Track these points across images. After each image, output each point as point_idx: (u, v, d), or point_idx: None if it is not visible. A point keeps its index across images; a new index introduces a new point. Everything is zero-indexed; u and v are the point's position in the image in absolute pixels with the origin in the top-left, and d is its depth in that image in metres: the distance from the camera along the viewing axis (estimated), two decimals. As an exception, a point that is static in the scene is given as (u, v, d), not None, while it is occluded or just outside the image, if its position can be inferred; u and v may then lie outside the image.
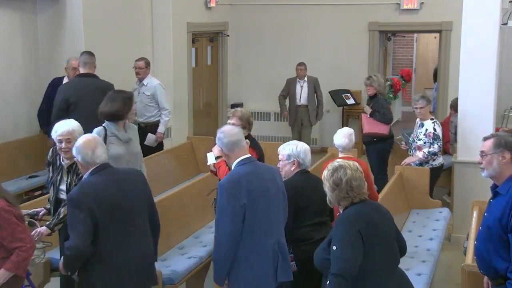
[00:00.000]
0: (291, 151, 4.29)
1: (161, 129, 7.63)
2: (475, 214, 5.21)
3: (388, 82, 12.80)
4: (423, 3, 10.35)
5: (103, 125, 5.09)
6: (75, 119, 4.67)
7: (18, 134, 7.49)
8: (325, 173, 3.48)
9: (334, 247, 3.26)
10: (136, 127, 5.34)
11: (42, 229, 4.31)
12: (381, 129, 7.49)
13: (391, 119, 7.68)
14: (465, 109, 6.56)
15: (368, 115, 7.56)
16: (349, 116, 10.84)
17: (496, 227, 3.51)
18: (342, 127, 10.51)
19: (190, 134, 9.37)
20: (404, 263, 5.15)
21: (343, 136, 5.22)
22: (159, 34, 9.18)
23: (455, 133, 7.77)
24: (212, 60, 10.92)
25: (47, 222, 4.40)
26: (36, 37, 7.73)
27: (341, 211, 3.49)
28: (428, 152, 6.51)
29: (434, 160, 6.69)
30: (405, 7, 10.41)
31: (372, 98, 7.70)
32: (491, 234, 3.54)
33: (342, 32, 10.81)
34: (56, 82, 7.07)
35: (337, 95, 10.57)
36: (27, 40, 7.60)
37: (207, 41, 10.69)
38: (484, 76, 6.38)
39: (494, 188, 3.69)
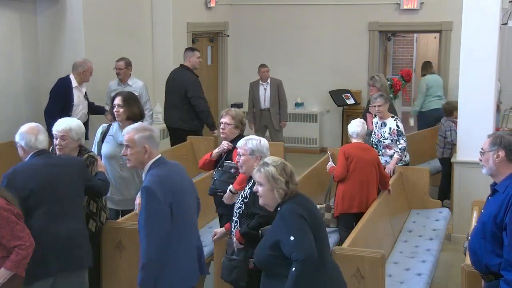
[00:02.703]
0: (255, 146, 4.19)
1: None
2: (475, 214, 5.21)
3: (388, 82, 12.79)
4: (423, 3, 10.35)
5: (112, 123, 5.18)
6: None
7: (18, 134, 7.48)
8: (272, 170, 3.47)
9: (292, 238, 3.33)
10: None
11: None
12: None
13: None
14: (465, 109, 6.56)
15: (374, 115, 7.50)
16: (349, 116, 10.81)
17: (490, 224, 3.54)
18: (342, 127, 10.68)
19: (190, 134, 9.37)
20: (404, 263, 5.17)
21: (356, 125, 5.85)
22: (159, 34, 9.18)
23: (445, 137, 7.79)
24: (212, 60, 10.92)
25: None
26: (36, 37, 7.73)
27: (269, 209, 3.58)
28: (400, 149, 6.52)
29: (405, 156, 6.72)
30: (405, 7, 10.40)
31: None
32: (485, 231, 3.57)
33: (342, 32, 10.81)
34: (63, 83, 7.08)
35: (337, 95, 10.57)
36: (27, 40, 7.60)
37: (207, 41, 10.69)
38: (484, 76, 6.38)
39: (494, 185, 3.72)
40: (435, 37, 14.05)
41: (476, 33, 6.34)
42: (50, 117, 6.94)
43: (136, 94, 7.48)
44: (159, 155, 3.84)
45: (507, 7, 6.88)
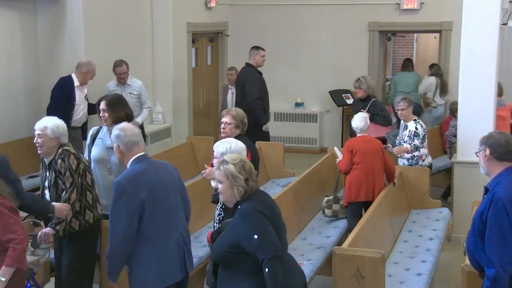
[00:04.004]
0: (224, 150, 4.18)
1: (139, 119, 7.52)
2: (475, 214, 5.21)
3: (388, 82, 12.79)
4: (423, 3, 10.35)
5: (102, 126, 5.13)
6: None
7: (18, 134, 7.48)
8: (231, 168, 3.48)
9: (256, 236, 3.35)
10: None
11: (47, 229, 4.32)
12: (383, 131, 7.42)
13: (391, 120, 7.67)
14: (465, 109, 6.56)
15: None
16: (349, 116, 10.77)
17: (478, 222, 3.60)
18: (342, 127, 10.67)
19: (190, 134, 9.37)
20: (404, 263, 5.17)
21: (359, 120, 6.07)
22: (159, 34, 9.18)
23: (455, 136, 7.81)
24: (212, 60, 10.92)
25: (50, 223, 4.41)
26: (36, 37, 7.73)
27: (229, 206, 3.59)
28: (414, 145, 6.55)
29: (423, 160, 6.71)
30: (405, 7, 10.41)
31: (363, 101, 7.55)
32: (475, 228, 3.64)
33: (342, 32, 10.81)
34: (65, 83, 7.09)
35: (337, 95, 10.57)
36: (27, 40, 7.61)
37: (207, 41, 10.69)
38: (484, 76, 6.38)
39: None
40: (435, 37, 14.04)
41: (476, 33, 6.33)
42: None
43: (136, 93, 7.59)
44: (141, 153, 3.97)
45: (507, 7, 6.88)
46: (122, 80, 7.62)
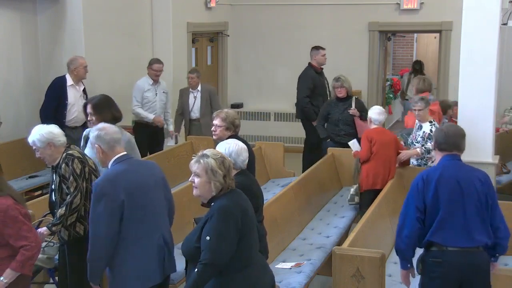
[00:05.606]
0: (224, 150, 4.12)
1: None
2: (475, 214, 5.19)
3: (388, 82, 12.81)
4: (423, 3, 10.35)
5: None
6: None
7: (18, 134, 7.48)
8: (212, 162, 3.43)
9: (208, 238, 3.33)
10: (128, 136, 5.14)
11: (43, 229, 4.33)
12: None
13: None
14: (465, 109, 6.56)
15: (358, 117, 7.41)
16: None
17: None
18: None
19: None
20: (404, 263, 5.16)
21: (378, 114, 6.35)
22: (159, 34, 9.19)
23: None
24: (212, 60, 10.92)
25: (47, 223, 4.41)
26: (36, 37, 7.73)
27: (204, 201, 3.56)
28: (424, 148, 6.52)
29: (432, 162, 6.68)
30: (405, 7, 10.41)
31: (342, 100, 7.46)
32: None
33: (342, 32, 10.81)
34: (57, 82, 7.07)
35: (337, 95, 10.56)
36: (27, 40, 7.61)
37: (207, 41, 10.70)
38: (484, 76, 6.38)
39: None
40: (435, 37, 14.05)
41: (476, 33, 6.33)
42: (45, 117, 6.92)
43: (167, 92, 8.03)
44: (122, 153, 3.94)
45: (507, 7, 6.88)
46: (157, 77, 7.84)
